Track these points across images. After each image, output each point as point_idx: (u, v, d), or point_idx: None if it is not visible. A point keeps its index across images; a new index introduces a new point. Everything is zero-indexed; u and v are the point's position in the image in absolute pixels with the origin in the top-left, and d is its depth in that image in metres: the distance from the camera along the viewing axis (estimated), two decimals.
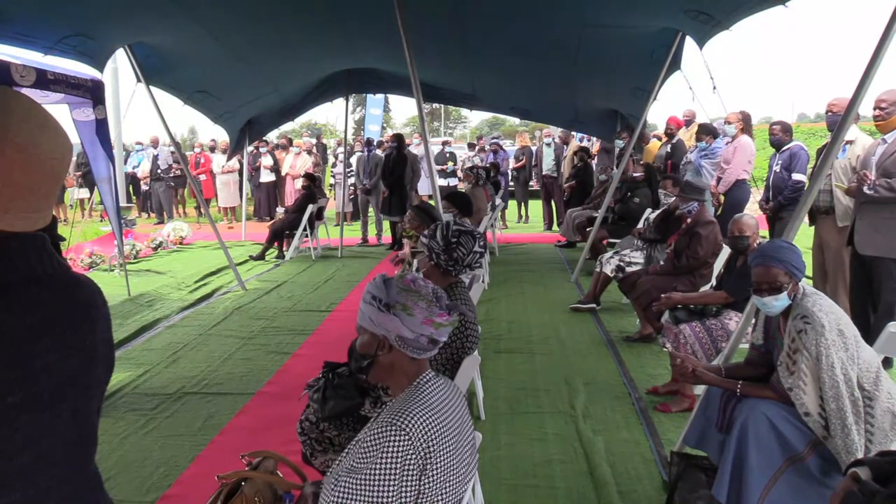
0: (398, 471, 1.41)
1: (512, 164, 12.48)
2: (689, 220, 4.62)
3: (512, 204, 12.76)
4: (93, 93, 5.82)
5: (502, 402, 3.90)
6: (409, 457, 1.42)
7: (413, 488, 1.43)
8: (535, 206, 13.27)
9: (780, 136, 5.55)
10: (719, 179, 6.54)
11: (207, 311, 6.19)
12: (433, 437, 1.46)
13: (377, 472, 1.41)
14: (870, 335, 3.17)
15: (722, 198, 6.48)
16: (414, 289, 1.60)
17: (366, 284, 1.68)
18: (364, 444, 1.46)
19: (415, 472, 1.43)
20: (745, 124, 6.53)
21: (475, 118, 58.21)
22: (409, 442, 1.42)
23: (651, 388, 4.00)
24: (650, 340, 4.89)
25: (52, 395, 0.93)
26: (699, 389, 3.19)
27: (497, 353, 4.80)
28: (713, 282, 4.41)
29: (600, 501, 2.82)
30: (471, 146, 15.32)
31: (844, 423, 2.16)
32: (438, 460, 1.46)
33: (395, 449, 1.42)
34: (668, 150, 7.84)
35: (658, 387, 3.99)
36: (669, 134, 7.97)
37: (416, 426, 1.44)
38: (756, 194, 6.82)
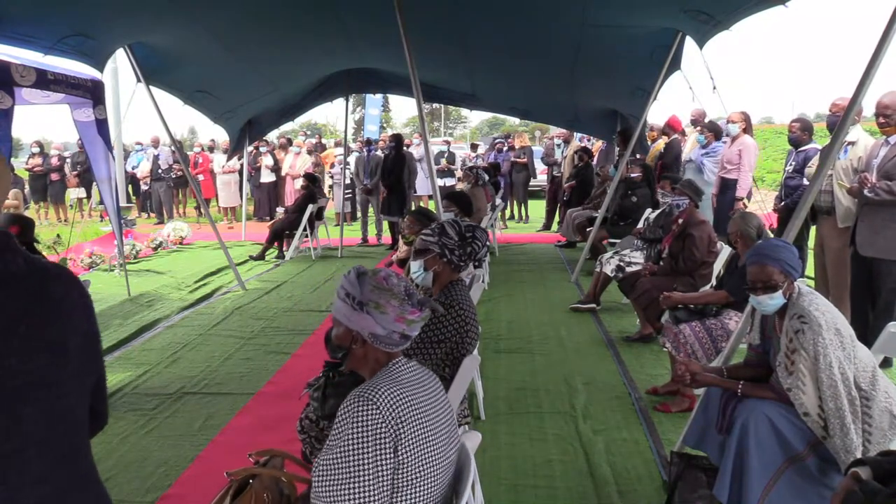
0: (371, 439, 1.43)
1: (506, 166, 12.40)
2: (679, 222, 4.61)
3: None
4: (93, 93, 5.83)
5: (502, 402, 3.91)
6: (379, 426, 1.43)
7: (389, 459, 1.44)
8: (534, 206, 13.28)
9: (798, 134, 5.40)
10: (721, 179, 6.54)
11: (207, 311, 6.19)
12: (402, 408, 1.48)
13: (350, 443, 1.43)
14: (868, 335, 3.17)
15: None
16: (387, 287, 1.63)
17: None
18: (336, 422, 1.48)
19: (388, 441, 1.44)
20: (747, 124, 6.53)
21: (475, 118, 58.31)
22: (378, 411, 1.44)
23: (651, 388, 4.00)
24: (650, 340, 4.89)
25: (14, 397, 0.91)
26: (699, 390, 3.19)
27: (497, 353, 4.80)
28: (713, 282, 4.42)
29: (600, 501, 2.82)
30: (473, 146, 15.34)
31: (843, 422, 2.16)
32: (412, 433, 1.48)
33: (365, 418, 1.44)
34: (662, 150, 7.84)
35: (658, 387, 3.99)
36: (667, 134, 7.95)
37: (382, 397, 1.47)
38: (756, 194, 6.82)
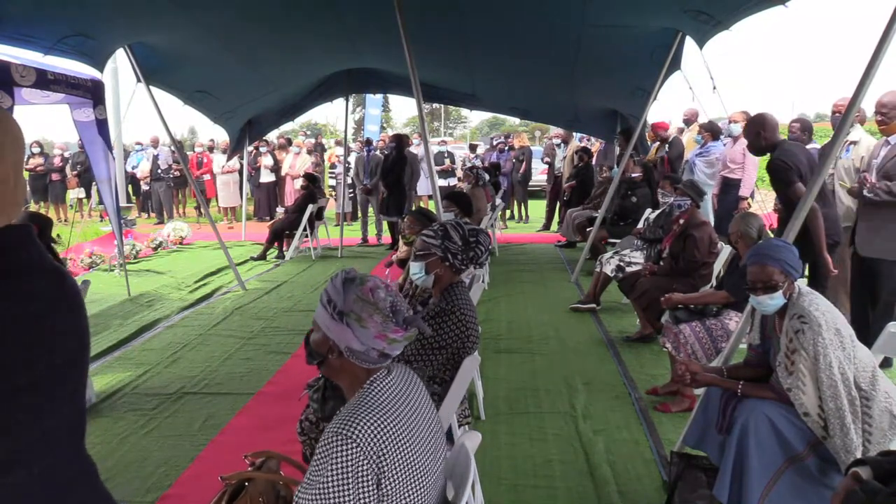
0: (352, 480, 1.37)
1: (507, 166, 12.43)
2: (680, 222, 4.60)
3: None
4: (93, 93, 5.83)
5: (502, 402, 3.91)
6: (360, 465, 1.37)
7: (372, 495, 1.39)
8: (534, 206, 13.28)
9: (798, 134, 5.41)
10: (724, 179, 6.54)
11: (207, 311, 6.19)
12: (384, 440, 1.41)
13: (330, 483, 1.37)
14: (868, 335, 3.17)
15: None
16: (372, 300, 1.52)
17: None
18: (316, 455, 1.42)
19: (370, 478, 1.38)
20: None
21: (475, 118, 58.31)
22: (359, 449, 1.38)
23: (651, 389, 4.00)
24: (650, 340, 4.89)
25: (54, 378, 0.96)
26: (699, 389, 3.19)
27: (497, 353, 4.80)
28: (713, 282, 4.42)
29: (600, 501, 2.82)
30: (472, 147, 15.34)
31: (843, 422, 2.16)
32: (395, 462, 1.42)
33: (345, 458, 1.37)
34: (666, 151, 7.84)
35: (658, 387, 3.99)
36: (663, 139, 7.96)
37: (363, 433, 1.39)
38: (757, 194, 6.83)
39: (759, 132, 3.98)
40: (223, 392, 4.13)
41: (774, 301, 2.38)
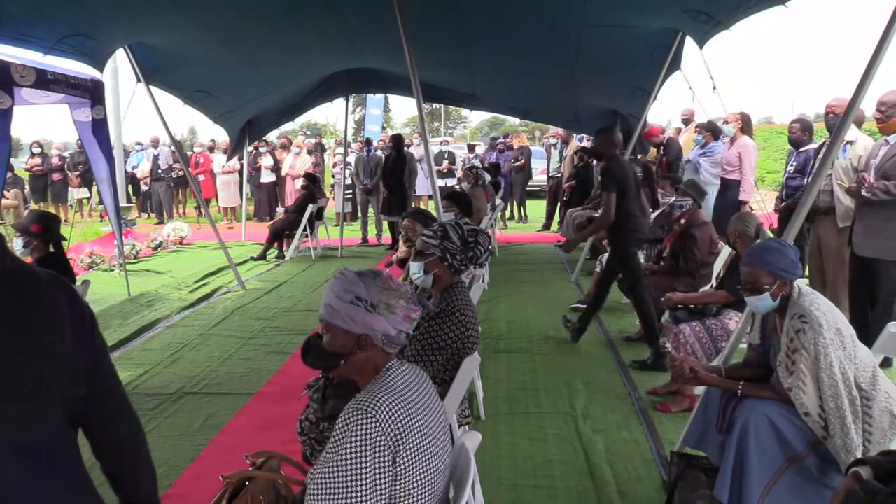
0: (369, 454, 1.42)
1: (506, 166, 12.44)
2: (682, 222, 4.60)
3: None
4: (92, 93, 5.82)
5: (502, 402, 3.91)
6: (378, 439, 1.42)
7: (387, 472, 1.43)
8: (534, 206, 13.28)
9: (798, 134, 5.43)
10: (722, 180, 6.53)
11: (207, 311, 6.19)
12: (401, 419, 1.47)
13: (348, 457, 1.42)
14: (867, 335, 3.18)
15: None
16: (393, 287, 1.64)
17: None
18: (334, 434, 1.47)
19: (387, 454, 1.43)
20: (745, 125, 6.52)
21: (475, 118, 58.37)
22: (377, 424, 1.43)
23: (651, 389, 4.00)
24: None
25: (13, 392, 0.90)
26: (699, 390, 3.19)
27: (497, 353, 4.80)
28: (713, 282, 4.42)
29: (600, 501, 2.82)
30: (470, 147, 15.33)
31: (843, 422, 2.16)
32: (410, 442, 1.47)
33: (364, 432, 1.42)
34: (662, 154, 7.86)
35: (658, 387, 3.99)
36: (657, 144, 7.97)
37: (382, 409, 1.46)
38: (756, 194, 6.83)
39: (610, 143, 4.55)
40: (223, 392, 4.13)
41: (762, 302, 2.39)
